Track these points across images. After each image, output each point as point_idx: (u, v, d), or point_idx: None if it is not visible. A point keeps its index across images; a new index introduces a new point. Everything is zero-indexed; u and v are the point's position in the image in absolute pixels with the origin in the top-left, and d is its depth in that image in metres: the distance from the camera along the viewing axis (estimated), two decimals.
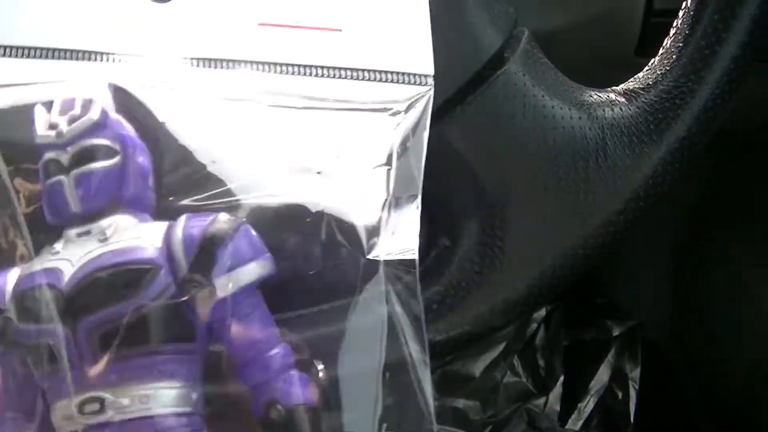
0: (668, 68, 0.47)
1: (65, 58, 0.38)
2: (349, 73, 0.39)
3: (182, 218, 0.36)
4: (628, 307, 0.77)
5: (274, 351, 0.35)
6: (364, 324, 0.38)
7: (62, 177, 0.35)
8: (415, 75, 0.40)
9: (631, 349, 0.75)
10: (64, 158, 0.35)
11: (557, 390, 0.71)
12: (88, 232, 0.36)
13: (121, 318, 0.34)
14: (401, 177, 0.39)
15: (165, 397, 0.34)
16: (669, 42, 0.48)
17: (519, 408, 0.71)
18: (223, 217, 0.36)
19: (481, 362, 0.71)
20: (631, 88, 0.47)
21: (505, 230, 0.43)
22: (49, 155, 0.36)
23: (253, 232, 0.36)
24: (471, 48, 0.43)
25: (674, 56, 0.47)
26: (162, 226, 0.36)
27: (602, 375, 0.73)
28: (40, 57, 0.38)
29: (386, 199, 0.38)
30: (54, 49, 0.38)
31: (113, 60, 0.38)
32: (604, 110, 0.46)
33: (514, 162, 0.44)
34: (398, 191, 0.39)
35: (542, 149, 0.44)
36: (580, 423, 0.72)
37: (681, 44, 0.47)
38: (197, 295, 0.35)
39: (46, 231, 0.37)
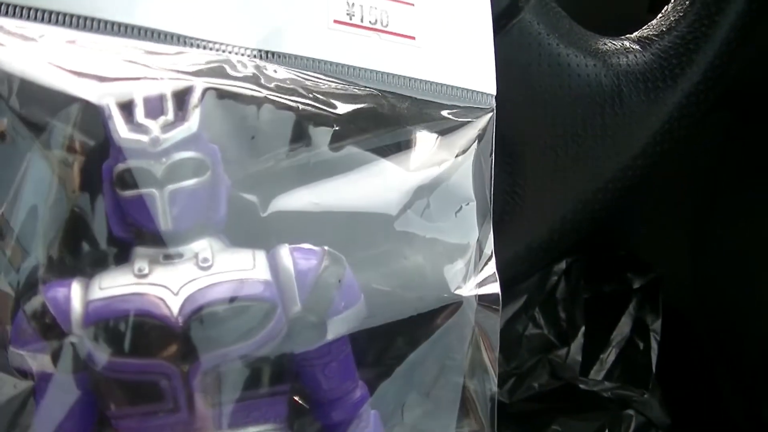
0: (682, 14, 0.47)
1: (126, 35, 0.33)
2: (419, 84, 0.38)
3: (285, 250, 0.33)
4: (648, 259, 0.78)
5: (357, 392, 0.35)
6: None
7: (154, 190, 0.31)
8: (479, 93, 0.39)
9: (652, 302, 0.75)
10: (158, 169, 0.31)
11: (579, 341, 0.72)
12: (179, 255, 0.32)
13: (238, 359, 0.31)
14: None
15: None
16: None
17: (541, 359, 0.71)
18: (333, 254, 0.33)
19: (503, 315, 0.71)
20: (645, 35, 0.48)
21: (524, 176, 0.44)
22: (134, 163, 0.31)
23: None
24: None
25: (687, 2, 0.47)
26: (260, 256, 0.33)
27: (623, 327, 0.74)
28: (97, 29, 0.33)
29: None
30: (115, 23, 0.33)
31: (182, 43, 0.34)
32: (618, 57, 0.46)
33: (530, 109, 0.44)
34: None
35: (558, 97, 0.44)
36: (603, 374, 0.72)
37: None
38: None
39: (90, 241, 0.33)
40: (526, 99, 0.44)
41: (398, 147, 0.37)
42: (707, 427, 0.75)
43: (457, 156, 0.38)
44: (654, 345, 0.73)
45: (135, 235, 0.32)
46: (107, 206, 0.32)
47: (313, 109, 0.35)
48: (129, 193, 0.31)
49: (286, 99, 0.35)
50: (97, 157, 0.32)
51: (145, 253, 0.32)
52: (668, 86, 0.46)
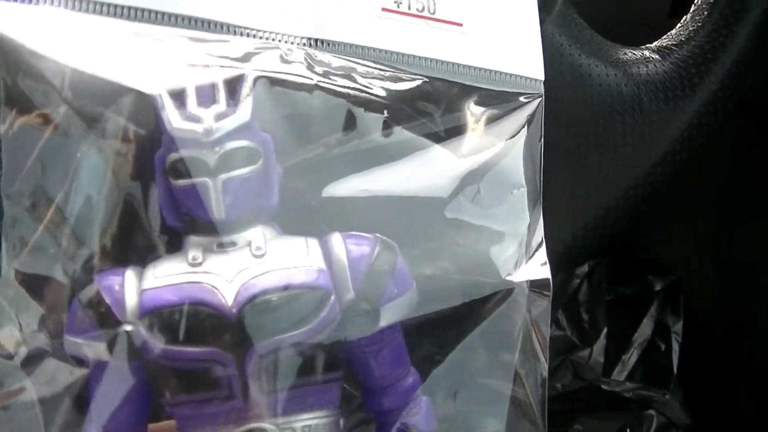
0: (700, 24, 0.48)
1: (176, 25, 0.33)
2: (467, 71, 0.38)
3: (338, 238, 0.33)
4: (668, 262, 0.78)
5: (409, 379, 0.35)
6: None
7: (207, 179, 0.31)
8: (527, 79, 0.39)
9: (673, 304, 0.75)
10: (211, 159, 0.31)
11: (601, 342, 0.73)
12: (233, 244, 0.32)
13: (292, 346, 0.31)
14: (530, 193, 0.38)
15: (323, 427, 0.33)
16: None
17: (564, 360, 0.72)
18: (385, 241, 0.33)
19: None
20: (664, 44, 0.49)
21: (548, 183, 0.45)
22: (187, 153, 0.31)
23: None
24: None
25: (706, 12, 0.48)
26: (313, 243, 0.33)
27: (645, 328, 0.74)
28: (141, 18, 0.33)
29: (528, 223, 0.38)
30: (165, 13, 0.33)
31: (231, 32, 0.34)
32: (638, 67, 0.47)
33: (552, 119, 0.45)
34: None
35: (579, 106, 0.46)
36: (625, 374, 0.73)
37: (712, 0, 0.48)
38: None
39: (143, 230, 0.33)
40: (548, 108, 0.45)
41: (448, 133, 0.37)
42: (728, 428, 0.75)
43: (507, 141, 0.38)
44: (675, 346, 0.74)
45: (188, 224, 0.32)
46: (160, 196, 0.32)
47: (364, 96, 0.35)
48: (182, 182, 0.31)
49: (336, 86, 0.35)
50: (149, 147, 0.32)
51: (199, 242, 0.32)
52: (687, 95, 0.47)
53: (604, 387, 0.71)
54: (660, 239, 0.81)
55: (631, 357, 0.73)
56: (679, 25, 0.50)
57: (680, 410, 0.70)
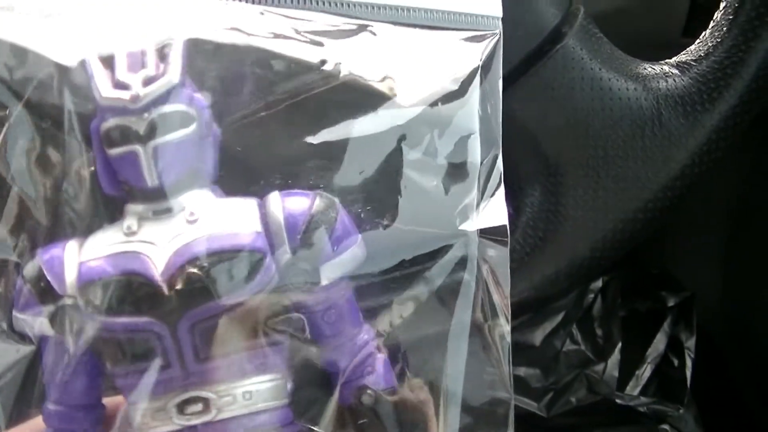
0: (719, 40, 0.49)
1: None
2: (417, 14, 0.36)
3: (275, 196, 0.32)
4: (681, 277, 0.79)
5: (362, 335, 0.34)
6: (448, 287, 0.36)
7: (137, 147, 0.30)
8: (484, 17, 0.37)
9: (686, 319, 0.76)
10: (140, 126, 0.30)
11: (615, 357, 0.73)
12: (168, 210, 0.31)
13: (226, 311, 0.31)
14: (484, 138, 0.37)
15: (267, 391, 0.32)
16: (719, 15, 0.49)
17: (579, 374, 0.72)
18: (324, 198, 0.33)
19: (541, 332, 0.73)
20: (683, 60, 0.49)
21: (567, 196, 0.46)
22: (117, 121, 0.30)
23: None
24: (532, 23, 0.45)
25: (725, 28, 0.49)
26: (250, 204, 0.32)
27: (658, 343, 0.75)
28: None
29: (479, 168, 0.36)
30: None
31: None
32: (658, 81, 0.48)
33: (573, 131, 0.46)
34: (483, 153, 0.37)
35: (600, 119, 0.46)
36: (638, 389, 0.73)
37: (731, 16, 0.48)
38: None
39: (87, 201, 0.33)
40: (568, 121, 0.46)
41: (397, 81, 0.35)
42: None
43: (461, 85, 0.36)
44: (688, 362, 0.74)
45: (126, 192, 0.32)
46: (97, 165, 0.32)
47: (303, 49, 0.34)
48: (115, 150, 0.31)
49: (274, 41, 0.34)
50: (85, 116, 0.32)
51: (135, 210, 0.32)
52: (706, 109, 0.47)
53: (618, 401, 0.71)
54: (673, 254, 0.82)
55: (645, 372, 0.74)
56: (698, 40, 0.50)
57: (694, 425, 0.71)
